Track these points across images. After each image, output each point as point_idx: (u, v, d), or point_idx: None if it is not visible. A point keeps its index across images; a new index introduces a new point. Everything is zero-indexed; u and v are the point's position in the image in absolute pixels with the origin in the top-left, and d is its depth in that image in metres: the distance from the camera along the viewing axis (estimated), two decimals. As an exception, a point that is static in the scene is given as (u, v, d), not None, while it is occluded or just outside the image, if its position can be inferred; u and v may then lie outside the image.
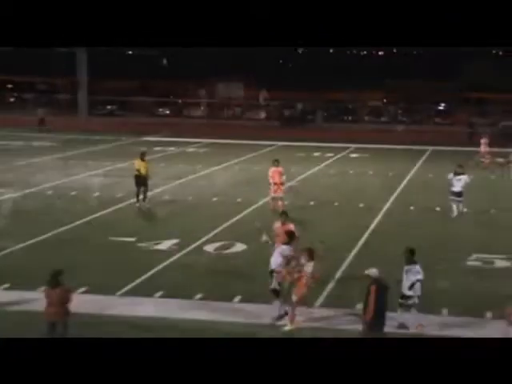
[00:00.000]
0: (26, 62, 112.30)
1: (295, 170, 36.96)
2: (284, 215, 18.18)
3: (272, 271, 16.17)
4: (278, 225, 17.91)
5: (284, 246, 16.18)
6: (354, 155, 44.60)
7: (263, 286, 18.18)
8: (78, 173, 35.04)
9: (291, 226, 17.57)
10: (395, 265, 16.25)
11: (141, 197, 27.16)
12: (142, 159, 27.67)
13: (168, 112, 69.11)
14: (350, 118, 67.20)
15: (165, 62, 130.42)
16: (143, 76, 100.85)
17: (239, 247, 21.98)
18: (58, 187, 31.00)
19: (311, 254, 15.45)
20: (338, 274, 19.25)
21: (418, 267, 15.25)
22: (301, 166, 38.38)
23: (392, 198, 29.99)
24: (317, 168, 38.46)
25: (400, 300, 15.39)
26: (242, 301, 17.22)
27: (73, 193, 29.85)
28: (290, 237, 16.36)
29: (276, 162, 26.81)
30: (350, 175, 36.39)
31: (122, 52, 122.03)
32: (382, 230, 24.55)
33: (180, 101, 72.39)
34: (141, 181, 27.20)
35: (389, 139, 52.43)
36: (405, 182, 34.47)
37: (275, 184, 26.35)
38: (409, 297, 15.28)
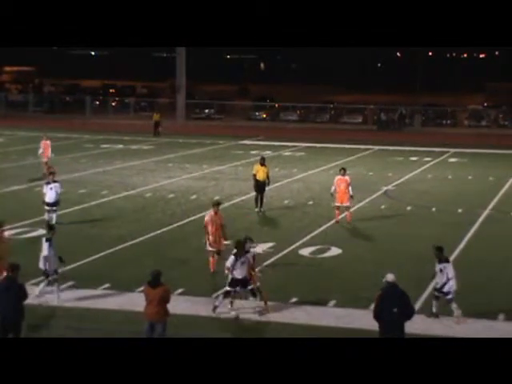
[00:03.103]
0: (127, 67, 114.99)
1: (392, 174, 36.53)
2: (217, 205, 19.74)
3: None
4: (211, 213, 19.63)
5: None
6: (452, 160, 43.76)
7: (358, 290, 18.04)
8: (176, 175, 35.59)
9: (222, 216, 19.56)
10: (495, 270, 15.89)
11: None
12: (262, 164, 27.67)
13: (264, 116, 69.45)
14: (448, 121, 65.93)
15: (262, 66, 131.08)
16: (241, 80, 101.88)
17: (334, 251, 21.88)
18: (156, 189, 31.57)
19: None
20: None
21: (449, 266, 16.18)
22: (398, 171, 37.92)
23: (492, 204, 29.28)
24: (414, 172, 37.90)
25: (435, 293, 16.43)
26: (336, 305, 17.13)
27: (170, 195, 30.33)
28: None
29: (342, 171, 26.14)
30: (448, 180, 35.72)
31: (220, 56, 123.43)
32: (481, 236, 23.99)
33: (277, 105, 72.62)
34: (258, 185, 27.30)
35: (489, 143, 51.22)
36: (506, 187, 33.59)
37: (340, 193, 25.50)
38: (445, 293, 16.24)
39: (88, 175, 35.01)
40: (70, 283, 18.23)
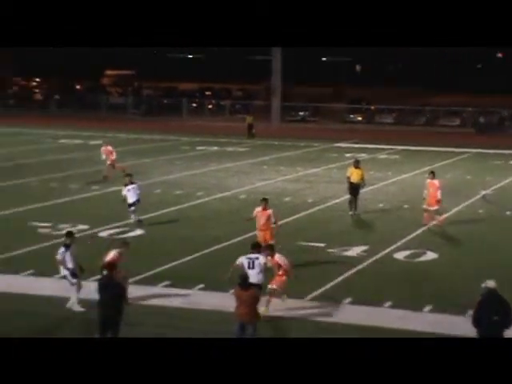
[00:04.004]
0: (223, 70, 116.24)
1: (490, 178, 35.70)
2: (265, 201, 20.40)
3: None
4: (258, 209, 20.27)
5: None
6: (554, 164, 42.43)
7: (455, 296, 17.72)
8: (271, 177, 35.74)
9: (270, 212, 20.14)
10: None
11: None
12: (356, 166, 27.55)
13: (360, 118, 68.97)
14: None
15: (358, 68, 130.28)
16: (336, 82, 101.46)
17: (430, 256, 21.54)
18: (250, 191, 31.77)
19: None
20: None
21: None
22: (497, 175, 37.02)
23: None
24: (514, 176, 36.92)
25: None
26: (432, 311, 16.87)
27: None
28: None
29: (431, 174, 25.68)
30: (549, 184, 34.66)
31: (316, 58, 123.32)
32: None
33: (372, 107, 72.01)
34: (353, 188, 27.20)
35: None
36: None
37: (429, 196, 25.01)
38: None
39: (184, 177, 35.54)
40: (166, 282, 18.54)
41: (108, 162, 34.29)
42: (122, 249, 16.71)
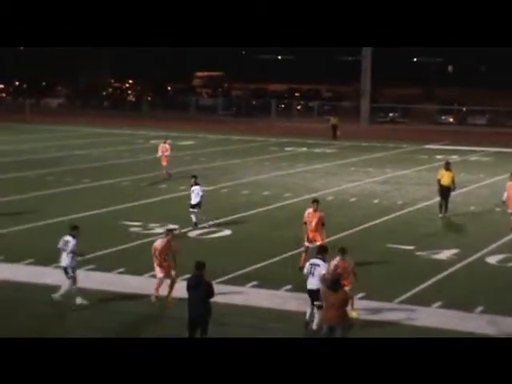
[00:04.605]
0: (312, 71, 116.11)
1: None
2: (316, 202, 20.04)
3: None
4: (309, 210, 19.98)
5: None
6: None
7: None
8: (359, 179, 35.47)
9: (322, 214, 19.84)
10: None
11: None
12: (447, 169, 27.14)
13: (451, 120, 67.78)
14: None
15: (450, 68, 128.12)
16: (427, 83, 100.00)
17: (524, 261, 20.98)
18: (338, 193, 31.60)
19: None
20: None
21: None
22: None
23: None
24: None
25: None
26: (525, 317, 16.42)
27: (352, 199, 30.25)
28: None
29: (511, 175, 25.01)
30: None
31: (407, 59, 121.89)
32: None
33: (464, 108, 70.67)
34: (443, 191, 26.81)
35: None
36: None
37: (510, 199, 24.43)
38: None
39: (272, 177, 35.62)
40: (253, 283, 18.61)
41: (164, 163, 34.31)
42: (169, 236, 17.37)
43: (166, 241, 17.26)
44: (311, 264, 15.56)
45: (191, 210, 24.50)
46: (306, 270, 15.65)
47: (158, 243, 17.30)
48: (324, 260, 15.53)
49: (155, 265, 17.23)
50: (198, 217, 24.36)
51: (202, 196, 24.60)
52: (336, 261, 15.98)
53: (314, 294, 15.36)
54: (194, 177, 25.38)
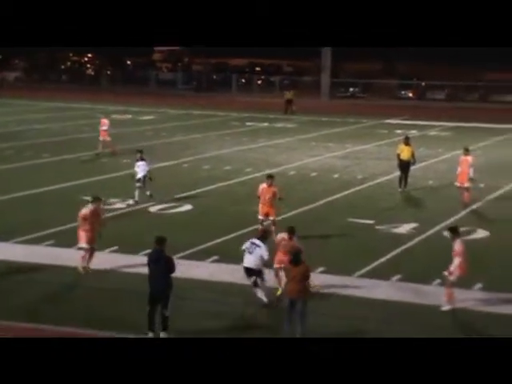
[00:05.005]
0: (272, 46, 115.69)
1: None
2: (271, 178, 20.32)
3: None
4: (263, 185, 20.19)
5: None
6: None
7: (504, 275, 17.55)
8: (319, 154, 35.63)
9: (276, 189, 20.06)
10: None
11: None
12: (406, 143, 27.34)
13: (411, 94, 68.22)
14: None
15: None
16: (387, 58, 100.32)
17: (481, 234, 21.32)
18: (299, 168, 31.72)
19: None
20: None
21: None
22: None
23: None
24: None
25: None
26: (482, 289, 16.72)
27: (313, 174, 30.41)
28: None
29: (466, 151, 25.34)
30: None
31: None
32: None
33: (423, 83, 71.15)
34: (403, 165, 27.02)
35: None
36: None
37: (461, 173, 24.80)
38: None
39: (233, 152, 35.62)
40: (214, 257, 18.66)
41: (101, 138, 33.87)
42: (96, 204, 17.71)
43: (94, 208, 17.51)
44: (252, 243, 15.60)
45: (136, 185, 24.30)
46: (244, 247, 15.71)
47: (87, 210, 17.47)
48: (264, 243, 15.58)
49: (81, 232, 17.42)
50: (142, 191, 24.17)
51: (147, 171, 24.42)
52: (282, 237, 16.06)
53: (252, 272, 15.44)
54: (140, 151, 25.24)
